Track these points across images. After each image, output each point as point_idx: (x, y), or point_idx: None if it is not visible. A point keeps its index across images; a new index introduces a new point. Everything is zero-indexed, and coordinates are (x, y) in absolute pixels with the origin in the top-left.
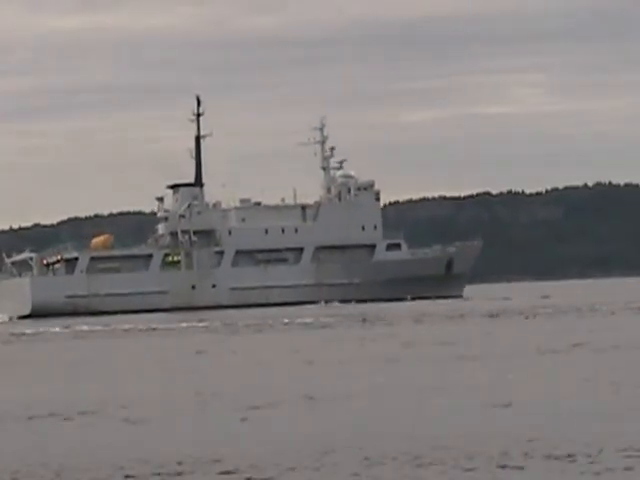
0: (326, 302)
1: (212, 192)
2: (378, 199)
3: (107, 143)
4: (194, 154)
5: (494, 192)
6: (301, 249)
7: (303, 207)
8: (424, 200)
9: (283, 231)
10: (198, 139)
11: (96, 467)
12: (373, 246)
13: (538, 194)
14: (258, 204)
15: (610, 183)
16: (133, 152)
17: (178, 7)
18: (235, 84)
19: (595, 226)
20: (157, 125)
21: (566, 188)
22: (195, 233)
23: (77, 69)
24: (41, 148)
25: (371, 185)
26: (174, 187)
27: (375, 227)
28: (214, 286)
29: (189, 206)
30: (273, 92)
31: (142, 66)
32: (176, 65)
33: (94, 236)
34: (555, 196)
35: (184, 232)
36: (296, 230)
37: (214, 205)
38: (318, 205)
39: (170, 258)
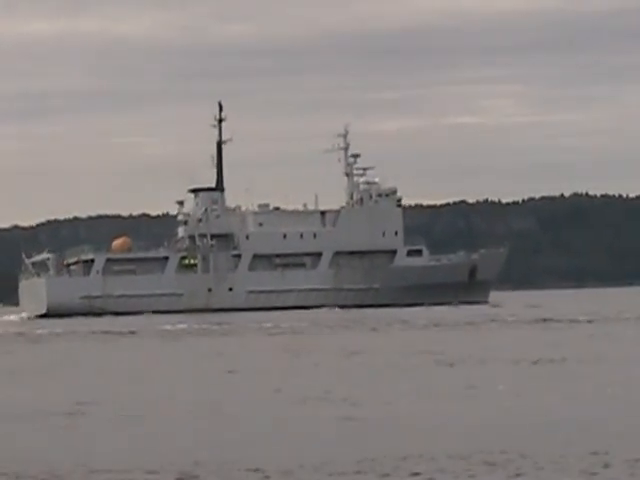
0: (341, 307)
1: (233, 197)
2: (399, 205)
3: (85, 146)
4: (215, 159)
5: (470, 201)
6: (319, 254)
7: (322, 212)
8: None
9: (301, 236)
10: (219, 144)
11: None
12: (394, 252)
13: (514, 204)
14: (277, 209)
15: (586, 194)
16: (112, 156)
17: (153, 14)
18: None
19: (570, 237)
20: (137, 130)
21: (542, 198)
22: (213, 237)
23: (53, 74)
24: (20, 151)
25: (393, 191)
26: (195, 191)
27: (396, 233)
28: (231, 289)
29: (206, 210)
30: (255, 98)
31: (123, 71)
32: (154, 72)
33: (113, 238)
34: (531, 206)
35: (202, 235)
36: (315, 235)
37: (233, 210)
38: (338, 211)
39: (187, 261)
